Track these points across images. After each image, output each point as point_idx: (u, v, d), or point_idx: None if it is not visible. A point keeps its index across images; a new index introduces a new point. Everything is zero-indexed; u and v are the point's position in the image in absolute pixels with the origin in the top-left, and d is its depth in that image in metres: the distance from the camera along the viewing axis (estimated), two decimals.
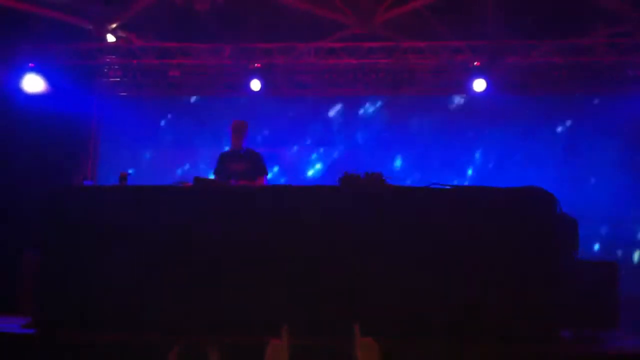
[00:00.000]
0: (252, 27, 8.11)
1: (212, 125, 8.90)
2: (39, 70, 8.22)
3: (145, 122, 9.24)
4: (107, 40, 8.48)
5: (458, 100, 9.00)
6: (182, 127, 9.22)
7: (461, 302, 4.31)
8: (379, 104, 9.13)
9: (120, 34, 8.60)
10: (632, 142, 8.40)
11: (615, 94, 8.51)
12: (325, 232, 4.50)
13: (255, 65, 8.27)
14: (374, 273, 4.41)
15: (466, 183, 8.61)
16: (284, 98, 9.10)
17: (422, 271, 4.39)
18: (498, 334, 4.23)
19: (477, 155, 8.80)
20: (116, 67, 8.90)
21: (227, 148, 6.46)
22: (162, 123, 9.34)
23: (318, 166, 9.03)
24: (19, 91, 8.18)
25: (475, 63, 8.11)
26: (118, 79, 9.08)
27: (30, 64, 8.18)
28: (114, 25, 8.45)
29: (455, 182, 8.30)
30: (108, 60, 8.69)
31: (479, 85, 8.10)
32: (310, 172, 9.01)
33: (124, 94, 9.30)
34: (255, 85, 8.30)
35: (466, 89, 8.42)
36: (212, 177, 6.03)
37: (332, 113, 9.17)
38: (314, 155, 9.06)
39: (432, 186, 4.63)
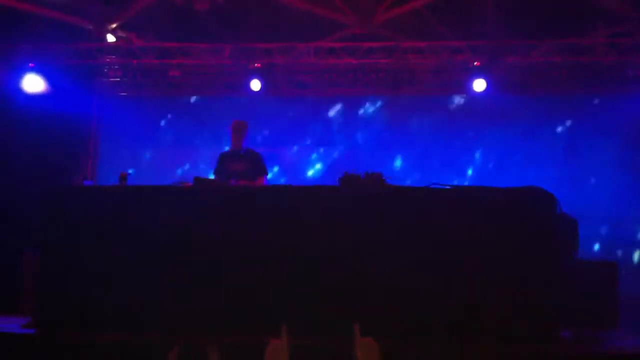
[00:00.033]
0: (252, 27, 8.10)
1: (212, 125, 8.90)
2: (39, 70, 8.21)
3: (145, 122, 9.24)
4: (107, 40, 8.46)
5: (458, 100, 9.00)
6: (182, 127, 9.22)
7: (461, 302, 4.31)
8: (379, 104, 9.13)
9: (120, 33, 8.58)
10: (632, 142, 8.40)
11: (615, 94, 8.51)
12: (325, 232, 4.50)
13: (255, 65, 8.27)
14: (374, 273, 4.41)
15: (466, 183, 8.61)
16: (284, 98, 9.10)
17: (422, 271, 4.39)
18: (498, 334, 4.23)
19: (477, 155, 8.79)
20: (116, 67, 8.90)
21: (227, 148, 6.46)
22: (162, 123, 9.34)
23: (318, 166, 9.03)
24: (19, 91, 8.18)
25: (475, 63, 8.11)
26: (118, 79, 9.08)
27: (30, 64, 8.18)
28: (114, 25, 8.43)
29: (455, 182, 8.30)
30: (108, 60, 8.68)
31: (479, 85, 8.10)
32: (310, 172, 9.01)
33: (124, 94, 9.30)
34: (255, 85, 8.30)
35: (466, 89, 8.41)
36: (212, 177, 6.03)
37: (332, 113, 9.17)
38: (314, 155, 9.06)
39: (432, 186, 4.63)
